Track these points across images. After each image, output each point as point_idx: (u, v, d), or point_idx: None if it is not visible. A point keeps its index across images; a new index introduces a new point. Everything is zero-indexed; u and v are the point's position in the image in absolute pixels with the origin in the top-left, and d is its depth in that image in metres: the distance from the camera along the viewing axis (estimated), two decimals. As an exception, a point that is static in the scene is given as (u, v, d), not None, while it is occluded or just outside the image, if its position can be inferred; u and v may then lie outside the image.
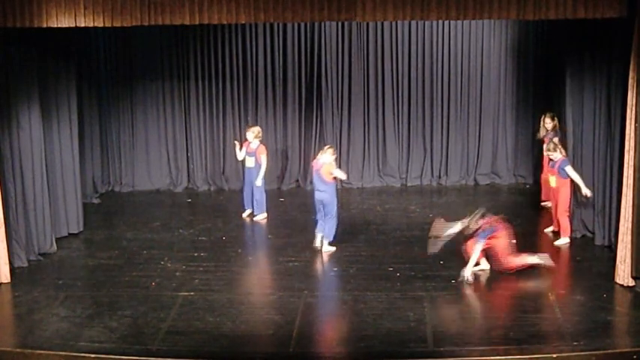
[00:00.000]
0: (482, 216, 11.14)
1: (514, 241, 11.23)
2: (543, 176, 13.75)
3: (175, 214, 14.40)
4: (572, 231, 12.27)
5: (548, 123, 13.64)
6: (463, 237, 11.13)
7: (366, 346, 9.12)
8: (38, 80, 11.88)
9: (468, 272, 10.83)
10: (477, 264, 11.11)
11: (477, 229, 11.02)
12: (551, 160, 12.34)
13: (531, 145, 15.47)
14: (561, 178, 12.11)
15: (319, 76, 15.61)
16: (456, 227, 11.04)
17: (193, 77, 15.66)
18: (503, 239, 11.07)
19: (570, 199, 12.21)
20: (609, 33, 11.14)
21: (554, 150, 12.19)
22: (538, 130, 14.12)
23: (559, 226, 12.31)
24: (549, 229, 12.68)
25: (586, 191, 11.90)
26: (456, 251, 12.00)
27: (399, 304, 10.18)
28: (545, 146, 13.58)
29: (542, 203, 13.89)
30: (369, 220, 13.73)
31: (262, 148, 13.73)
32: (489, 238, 11.01)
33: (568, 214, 12.22)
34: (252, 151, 13.72)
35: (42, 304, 10.38)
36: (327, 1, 10.36)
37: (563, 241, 12.18)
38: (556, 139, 12.65)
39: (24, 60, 11.55)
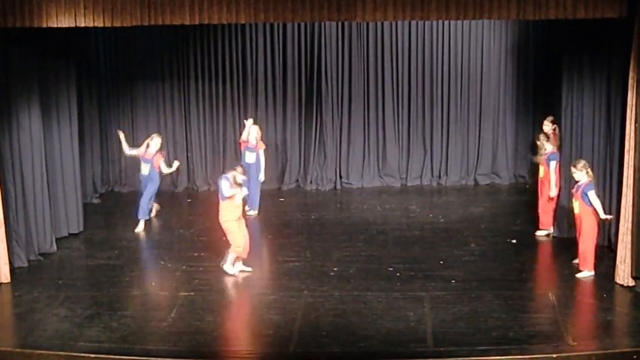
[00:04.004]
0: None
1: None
2: (541, 202, 12.65)
3: (175, 214, 14.39)
4: (596, 264, 11.01)
5: (546, 143, 12.48)
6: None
7: (366, 346, 9.12)
8: (38, 80, 11.88)
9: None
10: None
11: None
12: (576, 182, 11.01)
13: (531, 145, 15.46)
14: (585, 204, 10.80)
15: (319, 76, 15.61)
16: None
17: (193, 77, 15.68)
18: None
19: (598, 228, 11.02)
20: (609, 33, 11.14)
21: (582, 170, 10.88)
22: (536, 154, 13.14)
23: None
24: (577, 260, 11.21)
25: (605, 217, 10.77)
26: (455, 251, 12.05)
27: (399, 304, 10.17)
28: (538, 163, 12.78)
29: (538, 232, 12.66)
30: (369, 220, 13.74)
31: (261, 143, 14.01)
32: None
33: (594, 245, 10.94)
34: (253, 146, 13.76)
35: (42, 304, 10.38)
36: (327, 1, 10.37)
37: (586, 274, 10.91)
38: (581, 163, 11.04)
39: (24, 60, 11.55)
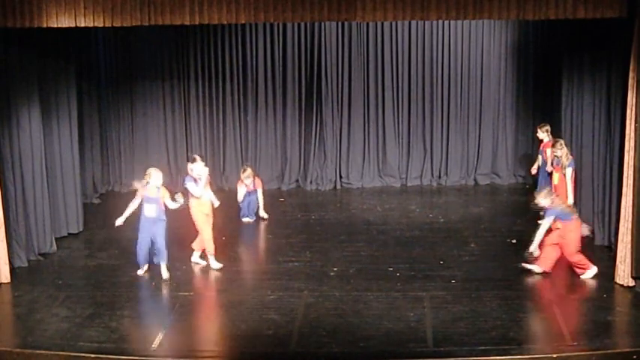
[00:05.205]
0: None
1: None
2: None
3: (175, 214, 14.36)
4: (593, 262, 11.00)
5: (557, 151, 12.12)
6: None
7: (366, 346, 9.12)
8: (38, 80, 11.88)
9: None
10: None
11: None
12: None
13: (531, 145, 15.47)
14: (561, 222, 10.93)
15: (319, 76, 15.62)
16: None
17: (193, 77, 15.68)
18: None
19: (581, 239, 11.02)
20: (609, 33, 11.14)
21: (545, 197, 10.99)
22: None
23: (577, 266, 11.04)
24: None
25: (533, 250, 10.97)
26: (455, 251, 12.05)
27: (399, 304, 10.17)
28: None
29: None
30: (369, 220, 13.74)
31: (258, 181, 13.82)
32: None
33: (579, 251, 10.95)
34: (252, 189, 13.73)
35: (42, 304, 10.38)
36: (327, 1, 10.37)
37: (589, 274, 10.94)
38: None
39: (24, 60, 11.55)
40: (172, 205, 11.33)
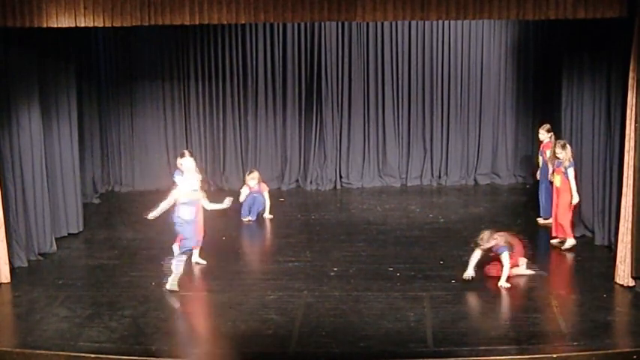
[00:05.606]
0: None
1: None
2: (559, 211, 12.16)
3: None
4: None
5: (560, 152, 12.01)
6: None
7: (366, 346, 9.12)
8: (38, 80, 11.88)
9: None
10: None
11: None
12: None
13: (531, 145, 15.47)
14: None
15: (319, 76, 15.62)
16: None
17: (193, 77, 15.68)
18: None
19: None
20: (609, 33, 11.15)
21: (489, 241, 10.90)
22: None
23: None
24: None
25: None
26: (455, 251, 12.05)
27: (399, 304, 10.17)
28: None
29: (553, 240, 12.24)
30: (369, 220, 13.74)
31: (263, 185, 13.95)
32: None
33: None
34: (258, 190, 13.81)
35: (42, 304, 10.38)
36: (327, 1, 10.37)
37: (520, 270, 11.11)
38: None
39: (24, 60, 11.55)
40: (210, 207, 11.21)
